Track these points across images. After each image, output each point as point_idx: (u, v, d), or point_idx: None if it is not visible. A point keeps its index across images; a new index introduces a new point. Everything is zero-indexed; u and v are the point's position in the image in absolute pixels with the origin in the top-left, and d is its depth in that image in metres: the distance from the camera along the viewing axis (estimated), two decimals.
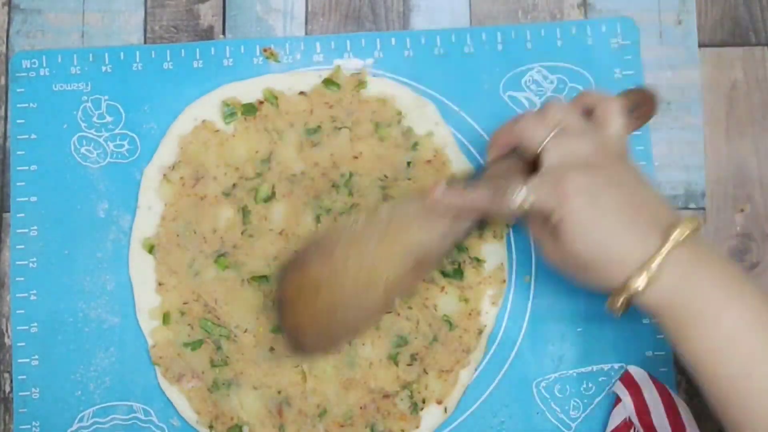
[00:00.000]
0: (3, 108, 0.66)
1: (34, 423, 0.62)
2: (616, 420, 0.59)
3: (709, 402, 0.49)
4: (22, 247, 0.63)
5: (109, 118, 0.65)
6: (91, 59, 0.65)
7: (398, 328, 0.61)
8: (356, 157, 0.63)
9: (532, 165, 0.52)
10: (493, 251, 0.62)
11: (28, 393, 0.62)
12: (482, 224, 0.55)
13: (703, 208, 0.64)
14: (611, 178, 0.49)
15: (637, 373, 0.60)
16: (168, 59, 0.65)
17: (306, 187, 0.63)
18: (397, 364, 0.61)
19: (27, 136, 0.65)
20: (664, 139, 0.64)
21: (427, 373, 0.61)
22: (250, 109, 0.64)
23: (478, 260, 0.62)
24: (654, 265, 0.46)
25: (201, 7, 0.67)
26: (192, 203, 0.63)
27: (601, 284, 0.50)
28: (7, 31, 0.66)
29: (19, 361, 0.63)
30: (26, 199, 0.64)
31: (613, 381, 0.61)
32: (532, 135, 0.52)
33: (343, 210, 0.62)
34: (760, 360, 0.46)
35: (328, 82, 0.64)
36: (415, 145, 0.63)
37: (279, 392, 0.61)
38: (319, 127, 0.63)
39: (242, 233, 0.62)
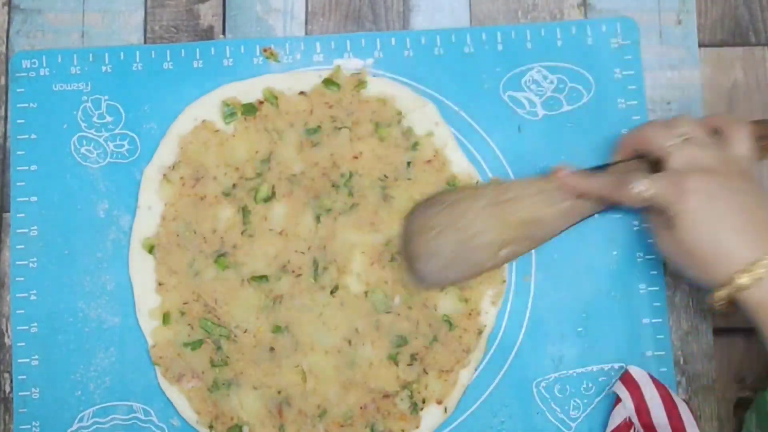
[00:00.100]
0: (3, 108, 0.66)
1: (34, 423, 0.62)
2: (616, 420, 0.59)
3: None
4: (22, 247, 0.63)
5: (109, 118, 0.65)
6: (91, 59, 0.65)
7: (398, 328, 0.61)
8: (356, 157, 0.63)
9: (655, 169, 0.56)
10: None
11: (28, 393, 0.62)
12: (601, 212, 0.60)
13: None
14: (731, 185, 0.52)
15: (637, 373, 0.60)
16: (168, 59, 0.65)
17: (306, 187, 0.63)
18: (397, 364, 0.61)
19: (27, 136, 0.65)
20: None
21: (427, 373, 0.61)
22: (250, 109, 0.64)
23: None
24: (760, 266, 0.49)
25: (201, 7, 0.67)
26: (192, 203, 0.63)
27: (707, 278, 0.52)
28: (7, 31, 0.66)
29: (19, 361, 0.63)
30: (26, 199, 0.64)
31: (613, 381, 0.61)
32: (659, 141, 0.55)
33: (343, 210, 0.62)
34: None
35: (328, 82, 0.64)
36: (415, 145, 0.63)
37: (279, 392, 0.61)
38: (319, 127, 0.63)
39: (242, 233, 0.62)
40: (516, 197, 0.59)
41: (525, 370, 0.62)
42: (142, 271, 0.63)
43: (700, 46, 0.65)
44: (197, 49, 0.65)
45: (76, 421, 0.62)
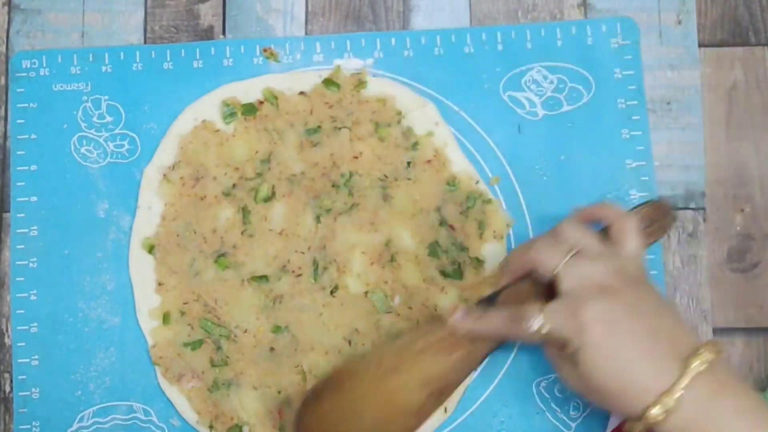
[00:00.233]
0: (3, 108, 0.66)
1: (34, 423, 0.62)
2: (616, 420, 0.59)
3: None
4: (22, 247, 0.63)
5: (109, 118, 0.65)
6: (91, 59, 0.65)
7: (398, 328, 0.61)
8: (356, 157, 0.63)
9: (548, 287, 0.52)
10: (493, 251, 0.62)
11: (28, 393, 0.62)
12: (499, 345, 0.54)
13: (703, 208, 0.64)
14: (630, 305, 0.48)
15: None
16: (168, 59, 0.65)
17: (306, 187, 0.63)
18: None
19: (27, 136, 0.65)
20: (664, 139, 0.64)
21: None
22: (250, 109, 0.64)
23: (478, 260, 0.62)
24: (672, 397, 0.46)
25: (201, 7, 0.67)
26: (192, 203, 0.63)
27: (620, 412, 0.49)
28: (7, 31, 0.66)
29: (19, 361, 0.63)
30: (26, 199, 0.64)
31: None
32: (546, 260, 0.51)
33: (343, 210, 0.62)
34: None
35: (328, 82, 0.64)
36: (415, 145, 0.63)
37: (279, 392, 0.61)
38: (319, 127, 0.63)
39: (242, 233, 0.62)
40: (400, 364, 0.53)
41: (525, 370, 0.62)
42: (142, 271, 0.63)
43: (700, 46, 0.65)
44: (197, 49, 0.65)
45: (76, 421, 0.62)
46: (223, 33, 0.66)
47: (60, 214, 0.64)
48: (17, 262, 0.63)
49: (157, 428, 0.62)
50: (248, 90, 0.64)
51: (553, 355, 0.52)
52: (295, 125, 0.64)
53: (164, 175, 0.63)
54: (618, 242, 0.52)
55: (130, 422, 0.62)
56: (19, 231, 0.64)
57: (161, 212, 0.63)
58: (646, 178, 0.63)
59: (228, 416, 0.61)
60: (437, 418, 0.61)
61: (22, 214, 0.64)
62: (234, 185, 0.63)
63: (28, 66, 0.65)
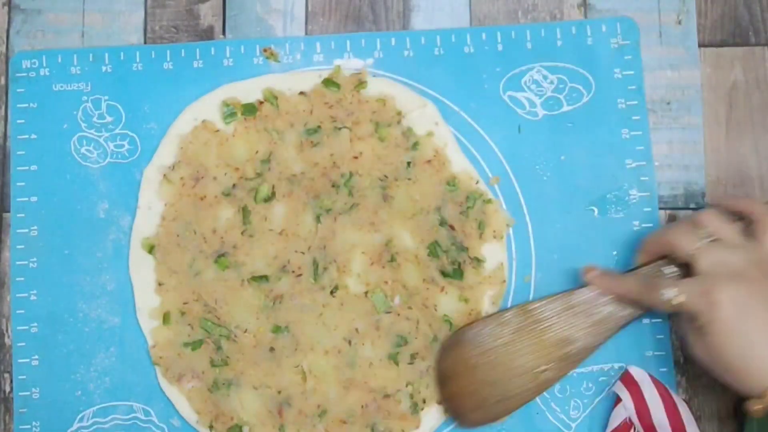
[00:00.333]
0: (3, 108, 0.66)
1: (34, 423, 0.62)
2: (616, 420, 0.59)
3: None
4: (22, 247, 0.63)
5: (109, 118, 0.65)
6: (91, 59, 0.65)
7: (398, 328, 0.61)
8: (356, 157, 0.63)
9: (684, 268, 0.55)
10: (493, 251, 0.62)
11: (28, 393, 0.62)
12: (634, 319, 0.58)
13: (703, 208, 0.64)
14: (762, 292, 0.51)
15: (637, 373, 0.60)
16: (168, 59, 0.65)
17: (306, 187, 0.63)
18: (397, 363, 0.61)
19: (27, 136, 0.65)
20: (664, 139, 0.64)
21: (427, 373, 0.61)
22: (250, 109, 0.64)
23: (478, 260, 0.62)
24: None
25: (201, 7, 0.67)
26: (192, 203, 0.63)
27: (741, 388, 0.52)
28: (7, 31, 0.66)
29: (19, 361, 0.63)
30: (26, 199, 0.64)
31: (613, 381, 0.61)
32: (685, 242, 0.54)
33: (343, 210, 0.62)
34: None
35: (328, 82, 0.64)
36: (415, 145, 0.63)
37: (279, 392, 0.61)
38: (319, 127, 0.63)
39: (242, 233, 0.62)
40: (545, 318, 0.58)
41: None
42: (142, 271, 0.63)
43: (700, 46, 0.65)
44: (197, 49, 0.65)
45: (77, 421, 0.62)
46: (223, 33, 0.66)
47: (60, 214, 0.64)
48: (17, 262, 0.63)
49: (157, 428, 0.62)
50: (248, 90, 0.64)
51: (682, 327, 0.55)
52: (295, 125, 0.64)
53: (164, 175, 0.63)
54: (759, 238, 0.54)
55: (130, 422, 0.62)
56: (19, 231, 0.64)
57: (161, 212, 0.63)
58: (646, 178, 0.63)
59: (228, 416, 0.61)
60: (437, 418, 0.61)
61: (22, 214, 0.64)
62: (234, 185, 0.63)
63: (28, 66, 0.65)
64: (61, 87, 0.65)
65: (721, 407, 0.62)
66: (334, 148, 0.63)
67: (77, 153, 0.64)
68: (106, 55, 0.65)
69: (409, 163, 0.63)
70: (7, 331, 0.63)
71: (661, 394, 0.59)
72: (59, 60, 0.65)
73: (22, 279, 0.63)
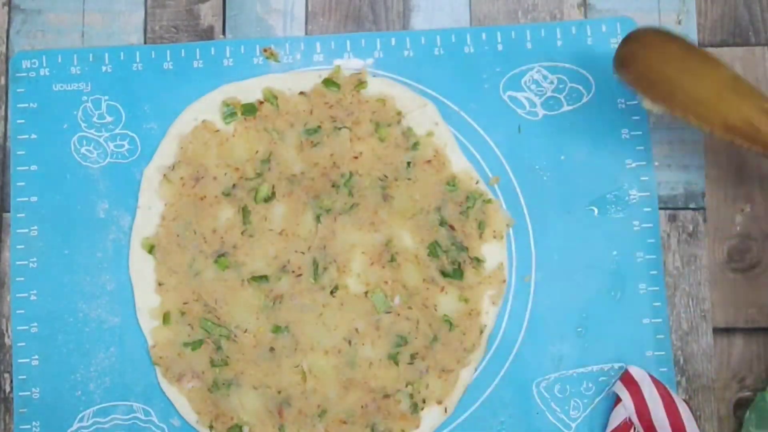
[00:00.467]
0: (3, 108, 0.66)
1: (34, 423, 0.62)
2: (616, 420, 0.60)
3: None
4: (22, 247, 0.63)
5: (109, 118, 0.65)
6: (91, 59, 0.65)
7: (398, 328, 0.61)
8: (356, 157, 0.63)
9: None
10: (493, 251, 0.63)
11: (28, 393, 0.62)
12: None
13: (703, 208, 0.64)
14: None
15: (637, 373, 0.60)
16: (168, 59, 0.65)
17: (306, 187, 0.63)
18: (397, 363, 0.61)
19: (27, 136, 0.65)
20: (664, 139, 0.64)
21: (427, 373, 0.61)
22: (250, 109, 0.64)
23: (478, 260, 0.62)
24: None
25: (201, 7, 0.67)
26: (192, 203, 0.63)
27: None
28: (7, 31, 0.66)
29: (19, 361, 0.63)
30: (26, 199, 0.64)
31: (613, 381, 0.61)
32: None
33: (343, 210, 0.62)
34: None
35: (328, 82, 0.64)
36: (415, 145, 0.63)
37: (279, 392, 0.61)
38: (319, 127, 0.63)
39: (242, 233, 0.62)
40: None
41: (525, 370, 0.62)
42: (142, 271, 0.63)
43: (700, 46, 0.65)
44: (197, 49, 0.65)
45: (77, 421, 0.62)
46: (223, 33, 0.66)
47: (60, 214, 0.64)
48: (17, 262, 0.63)
49: (157, 428, 0.62)
50: (248, 90, 0.64)
51: None
52: (295, 125, 0.64)
53: (164, 175, 0.63)
54: None
55: (130, 422, 0.62)
56: (19, 231, 0.64)
57: (161, 212, 0.63)
58: (646, 178, 0.63)
59: (228, 416, 0.61)
60: (437, 418, 0.61)
61: (22, 214, 0.64)
62: (234, 185, 0.63)
63: (28, 66, 0.65)
64: (61, 87, 0.65)
65: (721, 407, 0.62)
66: (334, 148, 0.63)
67: (77, 153, 0.64)
68: (106, 55, 0.65)
69: (409, 163, 0.63)
70: (7, 331, 0.63)
71: (661, 394, 0.59)
72: (59, 60, 0.65)
73: (22, 279, 0.63)
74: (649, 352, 0.62)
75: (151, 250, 0.63)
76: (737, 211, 0.64)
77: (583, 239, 0.63)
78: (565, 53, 0.65)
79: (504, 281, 0.62)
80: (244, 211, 0.62)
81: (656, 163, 0.64)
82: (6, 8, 0.67)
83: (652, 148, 0.64)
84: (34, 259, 0.63)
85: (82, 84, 0.65)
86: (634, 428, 0.59)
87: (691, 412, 0.59)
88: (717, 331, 0.63)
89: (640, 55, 0.58)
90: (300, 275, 0.62)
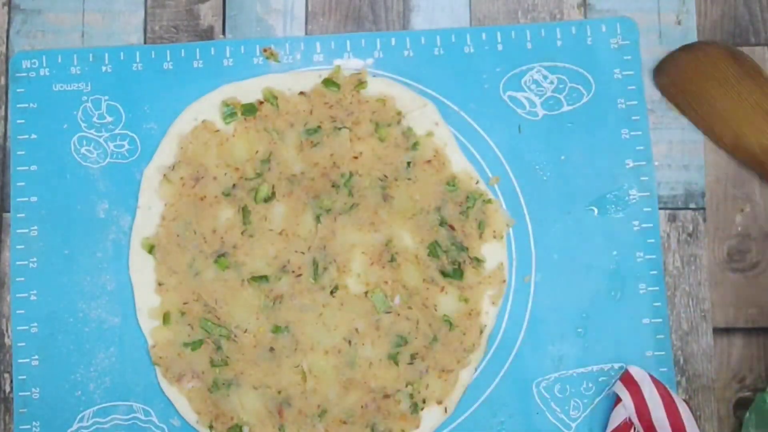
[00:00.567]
0: (3, 108, 0.66)
1: (34, 423, 0.62)
2: (616, 420, 0.59)
3: None
4: (22, 247, 0.63)
5: (109, 118, 0.65)
6: (91, 59, 0.65)
7: (398, 328, 0.61)
8: (356, 157, 0.63)
9: None
10: (493, 251, 0.63)
11: (28, 393, 0.62)
12: None
13: (703, 208, 0.64)
14: None
15: (637, 373, 0.60)
16: (168, 59, 0.65)
17: (306, 187, 0.63)
18: (397, 363, 0.61)
19: (27, 136, 0.65)
20: (664, 139, 0.64)
21: (427, 373, 0.61)
22: (250, 109, 0.64)
23: (478, 260, 0.62)
24: None
25: (201, 7, 0.67)
26: (192, 203, 0.63)
27: None
28: (7, 31, 0.66)
29: (19, 361, 0.63)
30: (26, 199, 0.64)
31: (613, 381, 0.61)
32: None
33: (343, 210, 0.62)
34: None
35: (328, 82, 0.64)
36: (415, 145, 0.63)
37: (279, 392, 0.61)
38: (319, 127, 0.63)
39: (242, 233, 0.62)
40: None
41: (525, 370, 0.62)
42: (142, 271, 0.63)
43: None
44: (197, 49, 0.65)
45: (77, 421, 0.62)
46: (223, 33, 0.66)
47: (60, 214, 0.64)
48: (17, 262, 0.63)
49: (157, 428, 0.62)
50: (248, 90, 0.64)
51: None
52: (295, 125, 0.64)
53: (164, 175, 0.63)
54: None
55: (130, 422, 0.62)
56: (19, 231, 0.64)
57: (161, 212, 0.63)
58: (646, 178, 0.63)
59: (228, 416, 0.61)
60: (437, 418, 0.61)
61: (22, 214, 0.64)
62: (234, 185, 0.63)
63: (28, 66, 0.65)
64: (61, 87, 0.65)
65: (720, 407, 0.62)
66: (334, 148, 0.63)
67: (77, 153, 0.64)
68: (106, 55, 0.65)
69: (409, 163, 0.63)
70: (7, 331, 0.63)
71: (661, 394, 0.59)
72: (59, 60, 0.65)
73: (22, 279, 0.63)
74: (649, 352, 0.62)
75: (151, 250, 0.63)
76: (737, 211, 0.64)
77: (583, 239, 0.63)
78: (565, 53, 0.65)
79: (504, 281, 0.62)
80: (244, 211, 0.62)
81: (656, 163, 0.64)
82: (6, 8, 0.67)
83: (652, 148, 0.64)
84: (34, 259, 0.63)
85: (82, 84, 0.65)
86: (634, 428, 0.59)
87: (691, 412, 0.59)
88: (717, 331, 0.63)
89: (682, 66, 0.61)
90: (300, 275, 0.62)
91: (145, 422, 0.62)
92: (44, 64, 0.65)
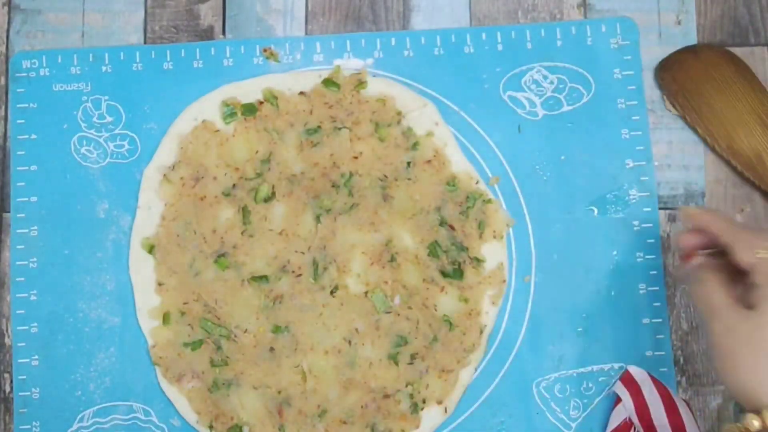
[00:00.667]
0: (3, 108, 0.66)
1: (34, 423, 0.62)
2: (616, 420, 0.59)
3: None
4: (22, 247, 0.63)
5: (109, 118, 0.65)
6: (91, 59, 0.65)
7: (398, 328, 0.61)
8: (356, 157, 0.63)
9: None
10: (493, 251, 0.62)
11: (28, 393, 0.62)
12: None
13: (705, 208, 0.64)
14: None
15: (637, 373, 0.60)
16: (168, 59, 0.65)
17: (306, 187, 0.63)
18: (397, 363, 0.61)
19: (27, 136, 0.65)
20: (664, 139, 0.64)
21: (427, 373, 0.61)
22: (250, 109, 0.64)
23: (478, 260, 0.62)
24: None
25: (201, 7, 0.67)
26: (192, 203, 0.63)
27: (749, 394, 0.47)
28: (7, 31, 0.66)
29: (19, 361, 0.63)
30: (26, 199, 0.64)
31: (613, 381, 0.61)
32: (746, 248, 0.49)
33: (343, 210, 0.62)
34: None
35: (328, 82, 0.64)
36: (415, 145, 0.63)
37: (279, 392, 0.61)
38: (319, 127, 0.63)
39: (242, 233, 0.62)
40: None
41: (525, 370, 0.62)
42: (142, 271, 0.63)
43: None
44: (197, 49, 0.65)
45: (77, 421, 0.62)
46: (223, 33, 0.66)
47: (60, 214, 0.64)
48: (17, 262, 0.63)
49: (157, 428, 0.62)
50: (248, 90, 0.64)
51: (714, 301, 0.49)
52: (295, 125, 0.64)
53: (164, 175, 0.63)
54: None
55: (130, 422, 0.62)
56: (19, 231, 0.64)
57: (161, 212, 0.63)
58: (646, 178, 0.63)
59: (228, 416, 0.61)
60: (437, 418, 0.61)
61: (22, 214, 0.64)
62: (234, 185, 0.63)
63: (28, 66, 0.65)
64: (61, 87, 0.65)
65: (721, 407, 0.62)
66: (334, 148, 0.63)
67: (77, 153, 0.64)
68: (106, 55, 0.65)
69: (409, 163, 0.63)
70: (7, 331, 0.63)
71: (661, 394, 0.59)
72: (59, 60, 0.65)
73: (22, 279, 0.63)
74: (649, 352, 0.62)
75: (151, 250, 0.63)
76: (737, 211, 0.64)
77: (583, 239, 0.63)
78: (565, 53, 0.65)
79: (504, 281, 0.62)
80: (244, 211, 0.62)
81: (656, 163, 0.64)
82: (6, 8, 0.67)
83: (652, 148, 0.64)
84: (34, 259, 0.63)
85: (82, 84, 0.65)
86: (634, 428, 0.59)
87: (691, 412, 0.59)
88: None
89: (686, 65, 0.63)
90: (300, 275, 0.62)
91: (145, 422, 0.62)
92: (44, 64, 0.65)
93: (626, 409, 0.59)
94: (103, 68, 0.65)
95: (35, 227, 0.64)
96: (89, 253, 0.63)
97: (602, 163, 0.63)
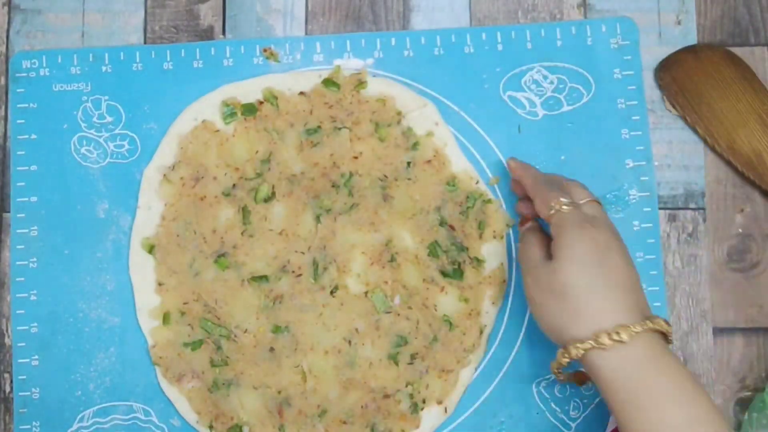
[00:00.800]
0: (3, 108, 0.66)
1: (34, 423, 0.62)
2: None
3: None
4: (22, 247, 0.63)
5: (109, 118, 0.65)
6: (91, 59, 0.65)
7: (398, 328, 0.61)
8: (356, 157, 0.63)
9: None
10: (493, 251, 0.62)
11: (28, 393, 0.62)
12: None
13: (703, 208, 0.64)
14: (619, 253, 0.52)
15: None
16: (168, 59, 0.65)
17: (306, 187, 0.63)
18: (397, 363, 0.61)
19: (27, 136, 0.65)
20: (664, 139, 0.64)
21: (427, 373, 0.61)
22: (250, 109, 0.64)
23: (478, 260, 0.62)
24: (630, 331, 0.48)
25: (201, 7, 0.67)
26: (192, 203, 0.63)
27: (565, 332, 0.50)
28: (7, 31, 0.66)
29: (19, 361, 0.63)
30: (26, 199, 0.64)
31: None
32: (542, 202, 0.54)
33: (343, 210, 0.62)
34: None
35: (328, 82, 0.64)
36: (415, 145, 0.63)
37: (279, 392, 0.61)
38: (319, 127, 0.63)
39: (242, 233, 0.62)
40: None
41: (525, 370, 0.62)
42: (142, 271, 0.63)
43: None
44: (197, 49, 0.65)
45: (77, 421, 0.62)
46: (223, 33, 0.66)
47: (60, 214, 0.64)
48: (17, 262, 0.63)
49: (157, 428, 0.62)
50: (248, 90, 0.64)
51: (529, 257, 0.54)
52: (295, 125, 0.64)
53: (164, 175, 0.63)
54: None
55: (130, 422, 0.62)
56: (19, 231, 0.64)
57: (161, 212, 0.63)
58: (646, 178, 0.63)
59: (228, 416, 0.61)
60: (437, 418, 0.61)
61: (22, 214, 0.64)
62: (234, 185, 0.63)
63: (28, 66, 0.65)
64: (61, 87, 0.65)
65: (720, 407, 0.62)
66: (334, 148, 0.63)
67: (77, 153, 0.64)
68: (106, 55, 0.65)
69: (409, 163, 0.63)
70: (7, 331, 0.63)
71: None
72: (59, 60, 0.65)
73: (22, 279, 0.63)
74: None
75: (151, 250, 0.63)
76: (737, 211, 0.64)
77: None
78: (565, 53, 0.65)
79: (504, 281, 0.62)
80: (244, 211, 0.62)
81: (656, 163, 0.64)
82: (6, 8, 0.67)
83: (652, 148, 0.64)
84: (34, 259, 0.63)
85: (82, 84, 0.65)
86: None
87: None
88: (717, 331, 0.63)
89: (686, 65, 0.63)
90: (300, 275, 0.62)
91: (145, 422, 0.62)
92: (44, 64, 0.65)
93: None
94: (103, 68, 0.65)
95: (35, 227, 0.64)
96: (89, 253, 0.63)
97: (602, 163, 0.63)
